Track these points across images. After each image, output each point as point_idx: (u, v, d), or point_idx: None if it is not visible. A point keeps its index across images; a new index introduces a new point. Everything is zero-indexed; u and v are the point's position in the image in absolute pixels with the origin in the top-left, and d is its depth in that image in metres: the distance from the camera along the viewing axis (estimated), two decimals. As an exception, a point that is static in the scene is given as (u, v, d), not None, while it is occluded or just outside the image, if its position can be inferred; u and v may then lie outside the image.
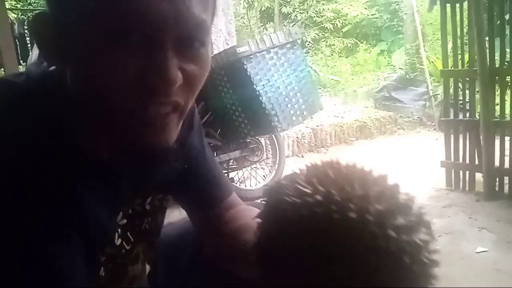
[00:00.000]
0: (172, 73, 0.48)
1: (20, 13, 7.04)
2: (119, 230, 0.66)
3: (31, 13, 7.02)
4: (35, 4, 8.46)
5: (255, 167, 3.33)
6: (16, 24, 5.80)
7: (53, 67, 0.57)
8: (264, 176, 3.38)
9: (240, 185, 3.24)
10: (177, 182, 0.74)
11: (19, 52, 5.29)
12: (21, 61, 5.31)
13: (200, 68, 0.52)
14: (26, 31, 5.85)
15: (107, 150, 0.60)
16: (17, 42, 5.34)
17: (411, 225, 0.38)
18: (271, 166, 3.39)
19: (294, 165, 4.15)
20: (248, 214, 0.76)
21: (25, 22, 6.03)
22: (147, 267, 0.78)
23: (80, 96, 0.53)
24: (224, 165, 3.02)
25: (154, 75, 0.48)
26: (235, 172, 3.21)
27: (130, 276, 0.72)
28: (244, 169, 3.24)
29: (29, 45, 5.70)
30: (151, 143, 0.52)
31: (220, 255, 0.79)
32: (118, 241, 0.66)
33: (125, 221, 0.67)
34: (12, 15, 6.84)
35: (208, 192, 0.79)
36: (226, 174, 3.02)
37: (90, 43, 0.47)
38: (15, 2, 8.20)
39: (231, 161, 3.07)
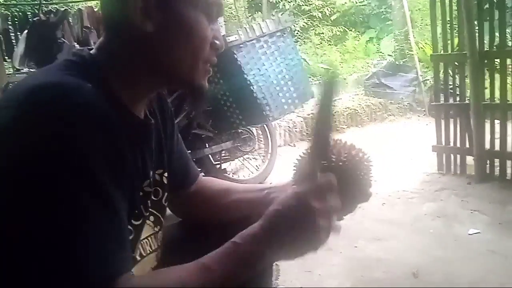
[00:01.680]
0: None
1: (3, 8, 6.89)
2: (141, 193, 0.74)
3: (14, 8, 6.88)
4: (19, -1, 8.28)
5: (248, 158, 3.32)
6: (0, 19, 5.68)
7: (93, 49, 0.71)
8: (257, 166, 3.37)
9: (233, 175, 3.24)
10: (169, 160, 0.85)
11: (3, 47, 5.18)
12: (5, 57, 5.21)
13: None
14: (10, 26, 5.73)
15: (141, 112, 0.74)
16: (1, 38, 5.23)
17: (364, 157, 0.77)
18: (264, 156, 3.38)
19: (287, 155, 4.14)
20: (220, 182, 1.00)
21: (9, 18, 5.90)
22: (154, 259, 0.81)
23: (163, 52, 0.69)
24: (217, 156, 3.01)
25: (220, 39, 0.73)
26: (228, 162, 3.20)
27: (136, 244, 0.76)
28: (236, 160, 3.23)
29: (13, 41, 5.58)
30: (205, 85, 0.74)
31: (208, 217, 0.94)
32: (137, 206, 0.73)
33: (149, 189, 0.77)
34: (-5, 10, 6.69)
35: (190, 169, 0.95)
36: (218, 165, 3.01)
37: (193, 15, 0.67)
38: (-2, -3, 8.03)
39: (224, 152, 3.05)
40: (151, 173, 0.77)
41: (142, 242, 0.78)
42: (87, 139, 0.56)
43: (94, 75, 0.64)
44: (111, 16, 0.69)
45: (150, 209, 0.79)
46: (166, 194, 0.84)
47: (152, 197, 0.79)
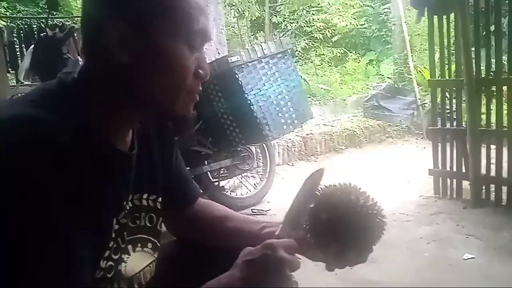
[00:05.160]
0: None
1: (9, 21, 7.00)
2: (116, 227, 0.72)
3: (20, 21, 6.98)
4: (25, 12, 8.42)
5: (246, 176, 3.34)
6: (5, 31, 5.76)
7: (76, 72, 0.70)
8: (255, 184, 3.39)
9: (231, 193, 3.25)
10: (165, 183, 0.85)
11: (7, 60, 5.25)
12: (9, 69, 5.27)
13: None
14: (15, 39, 5.81)
15: (123, 140, 0.73)
16: (6, 50, 5.30)
17: (368, 200, 0.74)
18: (262, 175, 3.40)
19: (285, 174, 4.17)
20: (219, 208, 0.99)
21: (15, 30, 5.99)
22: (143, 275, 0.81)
23: (124, 94, 0.67)
24: (215, 174, 3.03)
25: (204, 68, 0.71)
26: (226, 180, 3.22)
27: (127, 276, 0.75)
28: (235, 178, 3.25)
29: (18, 53, 5.66)
30: (189, 113, 0.72)
31: (205, 240, 0.94)
32: (113, 238, 0.71)
33: (125, 220, 0.74)
34: (1, 23, 6.79)
35: (190, 190, 0.96)
36: (217, 183, 3.03)
37: (174, 47, 0.66)
38: (4, 10, 8.16)
39: (222, 169, 3.07)
40: (129, 201, 0.75)
41: (144, 270, 0.79)
42: (40, 178, 0.54)
43: (69, 104, 0.63)
44: (89, 42, 0.68)
45: (145, 236, 0.80)
46: (160, 219, 0.83)
47: (147, 224, 0.80)
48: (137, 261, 0.78)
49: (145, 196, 0.80)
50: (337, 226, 0.70)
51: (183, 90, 0.68)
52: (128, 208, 0.75)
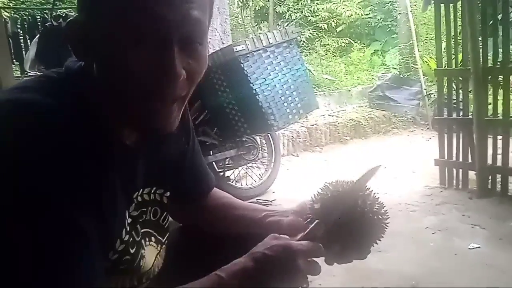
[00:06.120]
0: (177, 69, 0.58)
1: (13, 12, 6.98)
2: (129, 220, 0.71)
3: (23, 12, 6.97)
4: (28, 2, 8.41)
5: (251, 166, 3.34)
6: (9, 22, 5.75)
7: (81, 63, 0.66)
8: (260, 175, 3.39)
9: (236, 184, 3.26)
10: (175, 176, 0.83)
11: (12, 51, 5.25)
12: (14, 60, 5.28)
13: (199, 65, 0.62)
14: (19, 30, 5.81)
15: (131, 134, 0.69)
16: (10, 41, 5.29)
17: (374, 203, 0.74)
18: (267, 165, 3.40)
19: (290, 164, 4.17)
20: (223, 195, 0.97)
21: (18, 21, 5.99)
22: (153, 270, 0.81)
23: (105, 87, 0.62)
24: (220, 164, 3.03)
25: (164, 71, 0.58)
26: (231, 170, 3.22)
27: (141, 272, 0.75)
28: (240, 168, 3.25)
29: (22, 44, 5.66)
30: (157, 129, 0.64)
31: (209, 228, 0.94)
32: (128, 231, 0.71)
33: (136, 213, 0.74)
34: (5, 14, 6.78)
35: (203, 182, 0.93)
36: (222, 173, 3.04)
37: (115, 44, 0.57)
38: (8, 1, 8.14)
39: (227, 159, 3.08)
40: (138, 195, 0.74)
41: (153, 264, 0.79)
42: (42, 166, 0.53)
43: (74, 93, 0.61)
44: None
45: (149, 230, 0.79)
46: (165, 213, 0.82)
47: (151, 218, 0.79)
48: (149, 255, 0.78)
49: (153, 190, 0.79)
50: (342, 232, 0.71)
51: (137, 99, 0.60)
52: (136, 201, 0.73)
